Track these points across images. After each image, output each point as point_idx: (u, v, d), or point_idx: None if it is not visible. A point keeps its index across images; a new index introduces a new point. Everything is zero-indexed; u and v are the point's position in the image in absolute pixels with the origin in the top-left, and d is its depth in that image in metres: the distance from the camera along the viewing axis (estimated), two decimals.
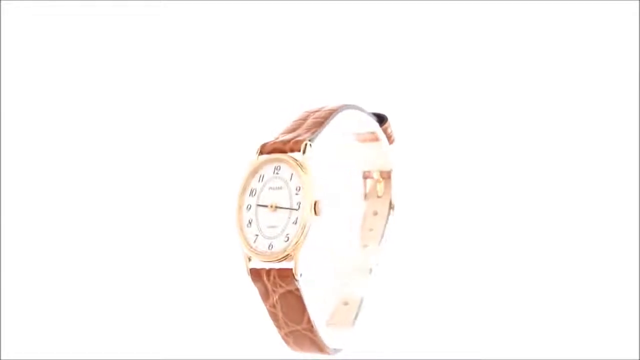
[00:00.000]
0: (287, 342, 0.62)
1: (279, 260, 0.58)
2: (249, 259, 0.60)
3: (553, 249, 0.72)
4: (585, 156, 0.73)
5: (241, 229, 0.60)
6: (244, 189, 0.60)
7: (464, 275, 0.71)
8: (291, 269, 0.58)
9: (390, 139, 0.74)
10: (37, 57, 0.69)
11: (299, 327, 0.60)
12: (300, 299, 0.59)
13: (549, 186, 0.73)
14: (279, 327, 0.61)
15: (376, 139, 0.72)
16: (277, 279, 0.58)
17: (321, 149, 0.63)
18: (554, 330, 0.66)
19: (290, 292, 0.59)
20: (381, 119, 0.73)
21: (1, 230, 0.67)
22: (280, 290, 0.59)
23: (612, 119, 0.73)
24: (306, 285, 0.59)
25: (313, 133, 0.61)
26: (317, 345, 0.61)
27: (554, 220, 0.72)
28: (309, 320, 0.60)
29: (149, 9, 0.70)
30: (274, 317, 0.61)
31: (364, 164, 0.74)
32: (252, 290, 0.60)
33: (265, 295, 0.60)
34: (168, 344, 0.66)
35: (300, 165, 0.59)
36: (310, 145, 0.60)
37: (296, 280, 0.58)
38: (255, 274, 0.59)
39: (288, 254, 0.58)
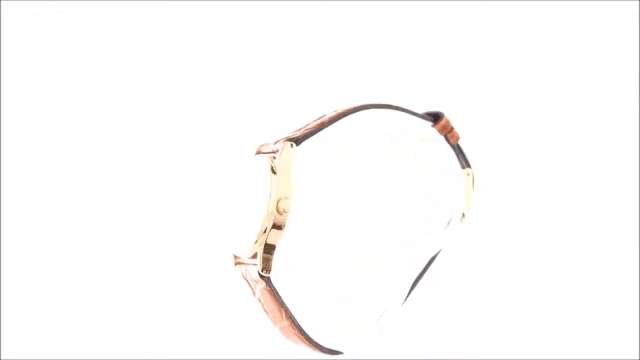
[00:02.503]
0: (285, 337, 0.63)
1: (251, 258, 0.61)
2: (236, 257, 0.62)
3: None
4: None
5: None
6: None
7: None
8: (256, 266, 0.60)
9: (453, 137, 0.71)
10: (37, 57, 0.70)
11: (284, 324, 0.62)
12: (272, 295, 0.60)
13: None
14: (271, 322, 0.63)
15: (428, 139, 0.69)
16: (251, 276, 0.61)
17: (324, 149, 0.64)
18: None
19: (264, 288, 0.60)
20: (436, 117, 0.70)
21: (1, 231, 0.68)
22: (257, 286, 0.61)
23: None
24: (282, 283, 0.61)
25: (305, 134, 0.62)
26: (307, 343, 0.62)
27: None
28: (288, 317, 0.61)
29: (149, 9, 0.71)
30: (265, 312, 0.63)
31: (427, 164, 0.72)
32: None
33: (251, 291, 0.62)
34: (166, 343, 0.67)
35: (272, 166, 0.60)
36: (292, 146, 0.61)
37: (262, 277, 0.60)
38: (238, 270, 0.62)
39: (255, 252, 0.60)
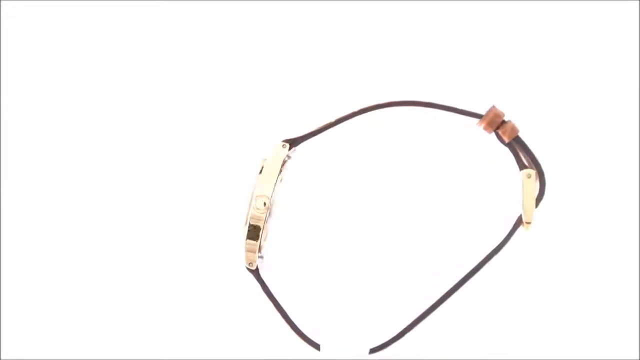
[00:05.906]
0: None
1: None
2: None
3: None
4: None
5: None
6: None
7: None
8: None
9: (505, 134, 0.64)
10: (38, 57, 0.69)
11: (277, 315, 0.65)
12: (262, 287, 0.64)
13: None
14: None
15: (459, 136, 0.65)
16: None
17: (328, 149, 0.65)
18: None
19: (255, 280, 0.65)
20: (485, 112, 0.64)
21: (1, 231, 0.68)
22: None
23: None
24: (281, 279, 0.64)
25: (305, 135, 0.64)
26: (293, 330, 0.64)
27: None
28: (277, 309, 0.64)
29: (150, 9, 0.69)
30: None
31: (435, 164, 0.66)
32: None
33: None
34: (169, 340, 0.67)
35: (261, 166, 0.64)
36: (284, 146, 0.64)
37: (250, 271, 0.64)
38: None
39: None
